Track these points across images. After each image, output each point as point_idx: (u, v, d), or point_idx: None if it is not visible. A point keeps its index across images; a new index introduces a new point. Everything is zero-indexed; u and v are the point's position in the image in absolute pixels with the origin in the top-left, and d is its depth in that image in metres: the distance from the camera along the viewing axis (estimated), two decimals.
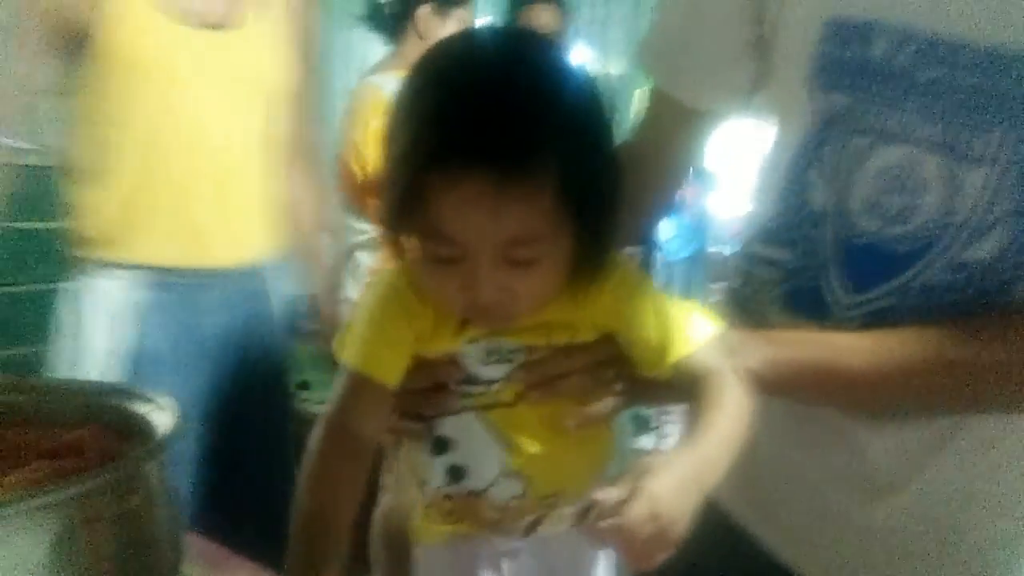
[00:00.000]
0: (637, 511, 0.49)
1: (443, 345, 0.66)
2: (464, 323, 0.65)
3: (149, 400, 0.70)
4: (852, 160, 0.66)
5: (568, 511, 0.54)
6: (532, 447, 0.66)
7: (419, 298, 0.65)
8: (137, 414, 0.70)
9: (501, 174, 0.54)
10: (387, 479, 1.91)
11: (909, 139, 0.62)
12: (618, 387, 0.67)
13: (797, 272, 0.70)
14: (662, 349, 0.63)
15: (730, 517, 0.83)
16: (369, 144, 1.79)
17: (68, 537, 0.53)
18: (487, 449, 0.67)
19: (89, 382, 0.76)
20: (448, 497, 0.69)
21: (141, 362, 1.37)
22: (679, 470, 0.52)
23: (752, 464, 0.80)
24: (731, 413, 0.59)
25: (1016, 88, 0.58)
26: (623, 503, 0.49)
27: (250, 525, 1.43)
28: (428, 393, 0.67)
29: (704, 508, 0.85)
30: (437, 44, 0.62)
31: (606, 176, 0.61)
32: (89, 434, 0.71)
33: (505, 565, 0.70)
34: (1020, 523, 0.68)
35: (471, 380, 0.67)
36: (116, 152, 1.37)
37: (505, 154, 0.55)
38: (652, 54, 0.83)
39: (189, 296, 1.39)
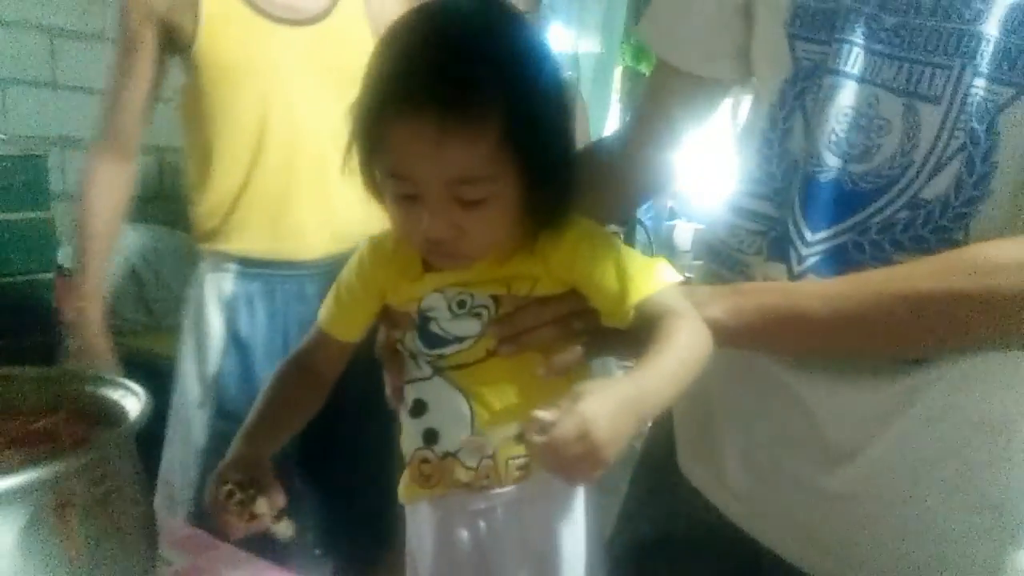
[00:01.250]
0: (566, 429, 0.51)
1: (411, 291, 0.71)
2: (428, 268, 0.71)
3: (120, 386, 0.70)
4: (823, 99, 0.68)
5: (511, 430, 0.57)
6: (500, 408, 0.69)
7: (393, 247, 0.73)
8: (109, 400, 0.70)
9: (443, 115, 0.59)
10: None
11: (874, 80, 0.65)
12: (584, 339, 0.69)
13: (778, 221, 0.71)
14: (622, 294, 0.66)
15: (690, 480, 0.85)
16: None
17: (39, 522, 0.54)
18: (458, 412, 0.70)
19: (60, 369, 0.76)
20: (425, 461, 0.72)
21: (249, 349, 1.48)
22: (614, 396, 0.54)
23: (709, 430, 0.81)
24: (679, 351, 0.61)
25: (968, 27, 0.61)
26: (553, 423, 0.52)
27: (352, 508, 1.57)
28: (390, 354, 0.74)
29: (666, 468, 0.87)
30: (409, 10, 0.66)
31: (552, 125, 0.66)
32: (61, 421, 0.71)
33: (482, 523, 0.73)
34: (975, 494, 0.68)
35: (442, 341, 0.70)
36: (220, 151, 1.47)
37: (448, 96, 0.59)
38: (650, 23, 0.87)
39: (291, 286, 1.47)
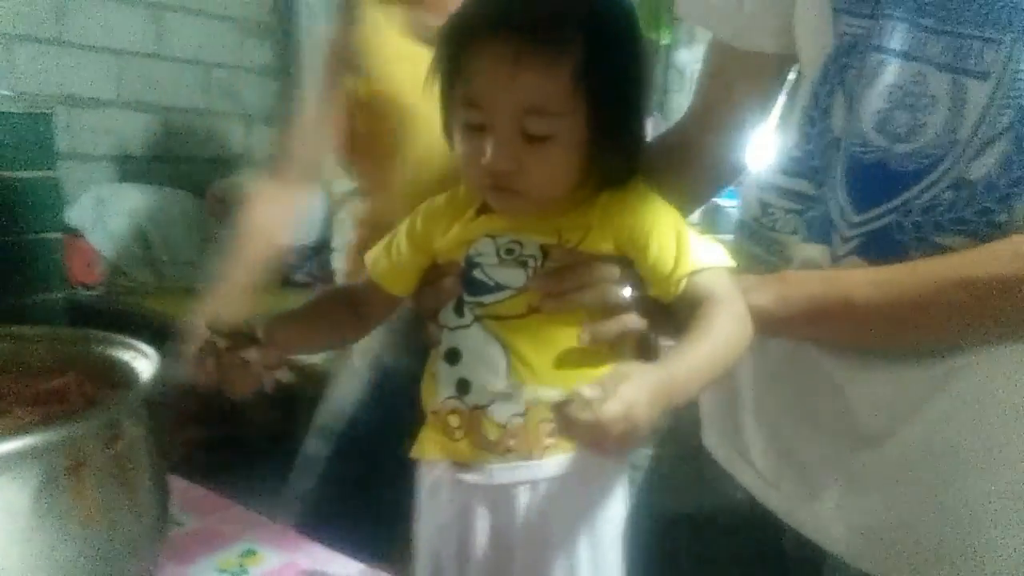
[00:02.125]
0: (613, 411, 0.52)
1: (462, 234, 0.71)
2: (481, 212, 0.72)
3: (131, 347, 0.70)
4: (867, 78, 0.66)
5: (553, 395, 0.57)
6: (537, 366, 0.67)
7: (447, 202, 0.75)
8: (120, 361, 0.70)
9: (522, 42, 0.61)
10: None
11: (920, 56, 0.63)
12: (629, 310, 0.68)
13: (816, 200, 0.70)
14: (677, 263, 0.65)
15: (717, 462, 0.84)
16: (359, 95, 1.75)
17: (52, 483, 0.54)
18: (494, 365, 0.68)
19: (70, 330, 0.75)
20: (454, 412, 0.70)
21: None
22: (653, 381, 0.55)
23: (735, 408, 0.80)
24: (717, 340, 0.61)
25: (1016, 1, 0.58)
26: (600, 401, 0.52)
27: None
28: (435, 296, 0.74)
29: (690, 444, 0.86)
30: None
31: (628, 74, 0.66)
32: (72, 381, 0.71)
33: (502, 499, 0.71)
34: (1007, 481, 0.67)
35: (485, 288, 0.69)
36: (388, 179, 1.50)
37: (529, 24, 0.61)
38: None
39: None
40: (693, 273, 0.65)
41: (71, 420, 0.54)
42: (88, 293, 3.08)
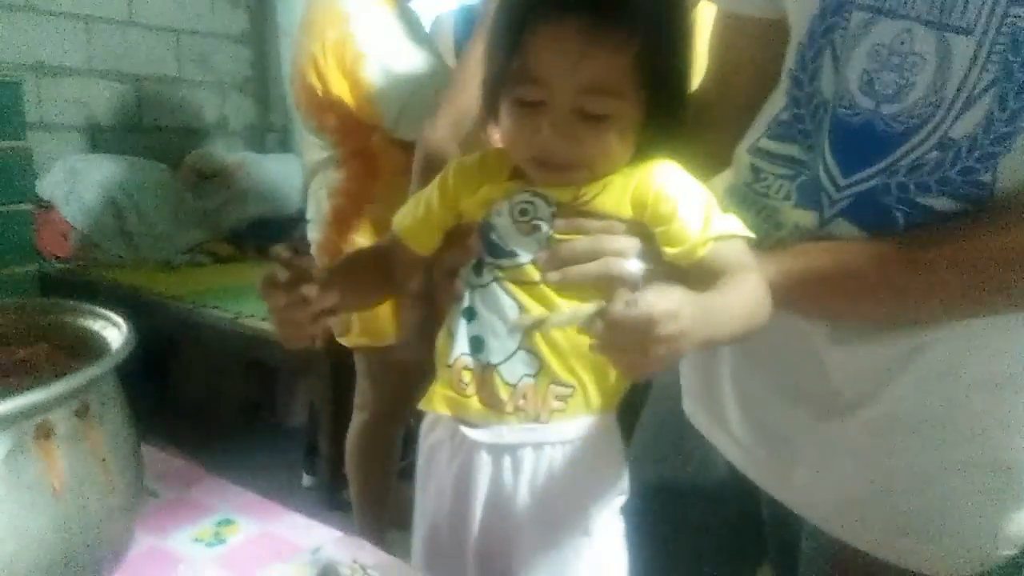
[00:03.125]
0: (662, 306, 0.51)
1: (489, 194, 0.72)
2: (512, 177, 0.72)
3: (101, 317, 0.69)
4: (853, 37, 0.65)
5: (581, 310, 0.56)
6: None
7: (478, 164, 0.75)
8: (90, 331, 0.69)
9: (592, 21, 0.62)
10: (360, 397, 1.93)
11: (907, 13, 0.62)
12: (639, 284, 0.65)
13: (806, 165, 0.70)
14: (705, 225, 0.65)
15: (695, 431, 0.85)
16: (327, 57, 1.72)
17: (21, 451, 0.53)
18: (507, 324, 0.69)
19: (39, 300, 0.74)
20: (467, 368, 0.71)
21: None
22: (696, 299, 0.55)
23: (713, 376, 0.81)
24: (748, 296, 0.62)
25: None
26: (648, 301, 0.52)
27: None
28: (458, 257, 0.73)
29: (672, 413, 0.86)
30: None
31: (682, 61, 0.68)
32: (43, 352, 0.70)
33: (506, 460, 0.71)
34: (978, 453, 0.68)
35: (502, 252, 0.70)
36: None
37: (600, 5, 0.63)
38: None
39: None
40: (720, 238, 0.65)
41: (39, 388, 0.53)
42: (60, 265, 3.04)
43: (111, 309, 0.71)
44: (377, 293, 0.83)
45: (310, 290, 0.66)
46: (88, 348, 0.68)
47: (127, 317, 0.68)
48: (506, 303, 0.69)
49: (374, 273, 0.80)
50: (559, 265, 0.67)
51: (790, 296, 0.66)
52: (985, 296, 0.63)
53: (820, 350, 0.71)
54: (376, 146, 1.79)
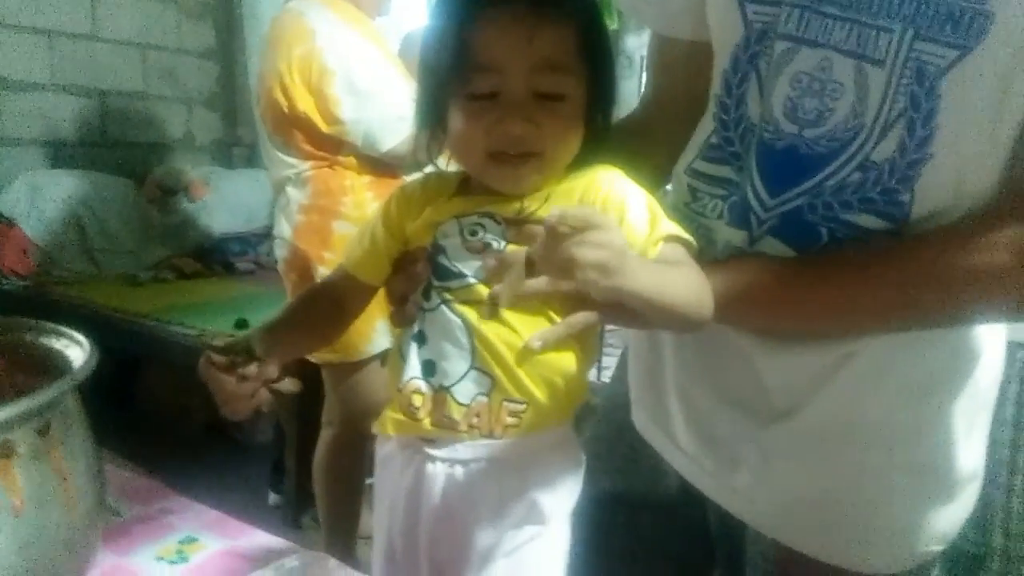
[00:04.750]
0: (594, 216, 0.54)
1: (435, 215, 0.72)
2: (456, 196, 0.73)
3: (61, 335, 0.69)
4: (776, 66, 0.68)
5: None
6: (501, 346, 0.68)
7: (422, 187, 0.76)
8: (51, 349, 0.69)
9: (538, 2, 0.65)
10: (328, 414, 1.93)
11: (826, 43, 0.65)
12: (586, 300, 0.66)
13: (738, 186, 0.72)
14: (652, 227, 0.66)
15: (645, 442, 0.87)
16: (293, 73, 1.72)
17: None
18: (457, 345, 0.69)
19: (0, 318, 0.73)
20: (418, 391, 0.71)
21: None
22: (620, 235, 0.57)
23: (660, 387, 0.83)
24: (684, 276, 0.63)
25: None
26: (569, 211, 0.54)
27: None
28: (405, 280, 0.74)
29: (623, 424, 0.88)
30: None
31: (609, 39, 0.72)
32: (1, 369, 0.69)
33: (460, 471, 0.72)
34: (905, 455, 0.71)
35: (449, 274, 0.70)
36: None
37: None
38: None
39: None
40: (668, 238, 0.66)
41: (0, 407, 0.53)
42: (20, 283, 2.99)
43: (73, 326, 0.71)
44: (333, 329, 0.82)
45: (249, 370, 0.69)
46: (49, 366, 0.68)
47: (89, 335, 0.68)
48: (457, 324, 0.69)
49: (327, 310, 0.80)
50: (507, 282, 0.67)
51: (728, 310, 0.67)
52: (904, 314, 0.66)
53: (754, 358, 0.73)
54: (343, 162, 1.79)
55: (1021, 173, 0.62)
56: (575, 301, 0.66)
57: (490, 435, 0.70)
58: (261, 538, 0.85)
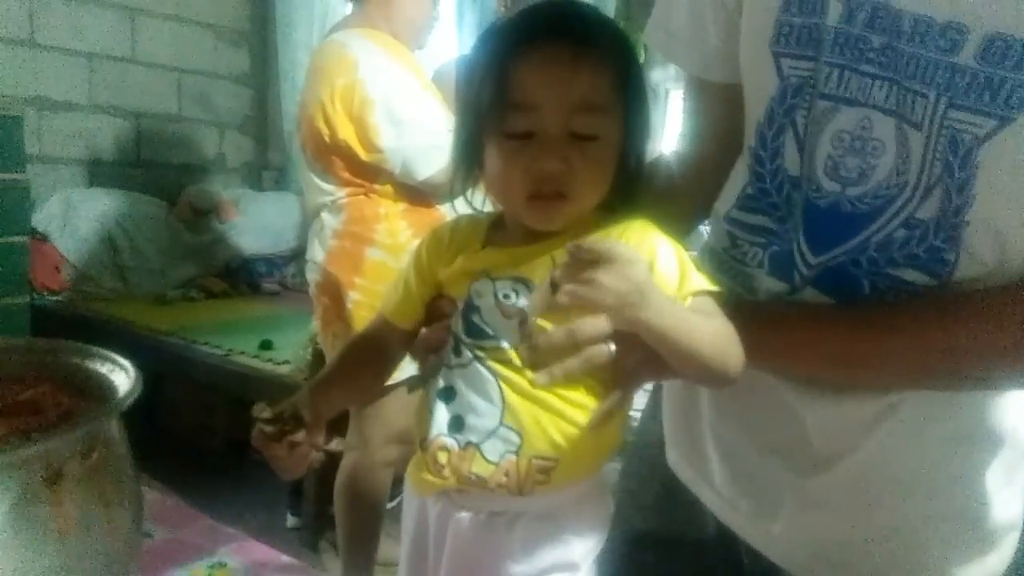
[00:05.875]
0: (616, 248, 0.56)
1: (467, 265, 0.73)
2: (488, 246, 0.74)
3: (106, 359, 0.70)
4: (816, 124, 0.68)
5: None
6: (532, 405, 0.67)
7: (451, 232, 0.77)
8: (95, 372, 0.70)
9: (575, 42, 0.66)
10: (351, 439, 1.93)
11: (866, 102, 0.65)
12: (625, 367, 0.66)
13: (778, 236, 0.72)
14: (682, 282, 0.66)
15: (679, 480, 0.86)
16: (335, 103, 1.76)
17: (31, 496, 0.54)
18: (488, 401, 0.69)
19: (45, 340, 0.75)
20: (444, 448, 0.70)
21: None
22: (645, 271, 0.58)
23: (696, 428, 0.83)
24: (711, 325, 0.63)
25: (941, 57, 0.60)
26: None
27: None
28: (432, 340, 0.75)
29: (656, 463, 0.87)
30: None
31: (644, 86, 0.72)
32: (47, 392, 0.71)
33: (485, 518, 0.71)
34: (948, 504, 0.70)
35: (483, 334, 0.70)
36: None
37: (580, 30, 0.67)
38: (651, 21, 0.86)
39: None
40: (697, 293, 0.66)
41: (49, 433, 0.54)
42: (53, 299, 3.04)
43: (103, 343, 0.73)
44: (378, 377, 0.82)
45: (299, 437, 0.70)
46: (92, 389, 0.69)
47: (118, 351, 0.70)
48: (488, 380, 0.69)
49: (370, 359, 0.80)
50: (540, 360, 0.65)
51: (766, 354, 0.67)
52: (938, 382, 0.66)
53: (796, 407, 0.73)
54: (379, 190, 1.82)
55: None
56: (612, 372, 0.66)
57: (519, 493, 0.69)
58: (287, 565, 0.85)
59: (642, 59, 3.31)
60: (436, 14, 2.00)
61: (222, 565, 0.84)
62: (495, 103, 0.67)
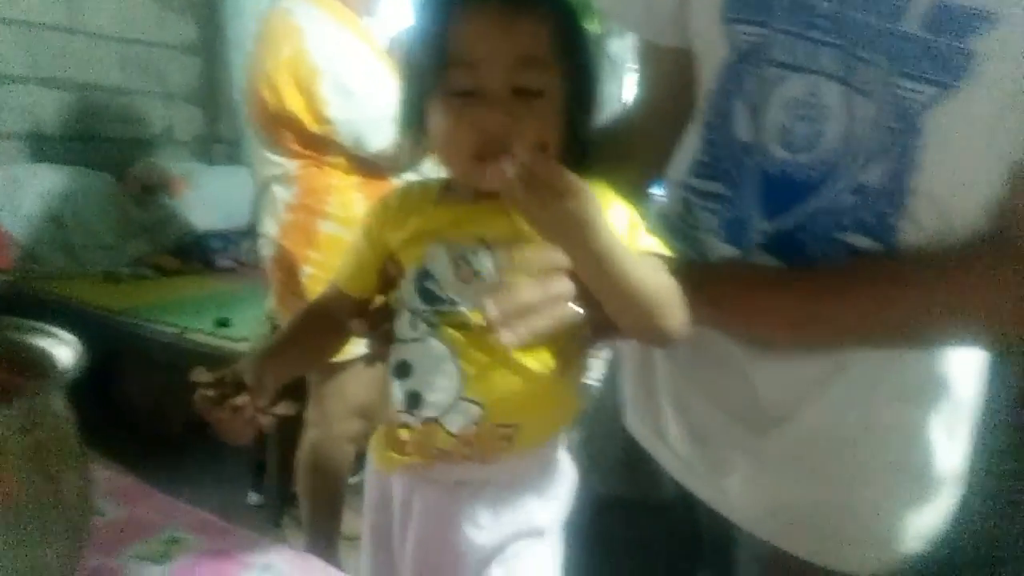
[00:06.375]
0: (552, 165, 0.55)
1: (421, 225, 0.71)
2: (441, 205, 0.72)
3: (48, 334, 0.68)
4: (766, 91, 0.68)
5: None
6: (491, 373, 0.67)
7: (400, 195, 0.76)
8: (37, 347, 0.68)
9: (512, 1, 0.66)
10: (312, 414, 1.92)
11: (814, 69, 0.65)
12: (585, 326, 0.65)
13: (731, 202, 0.72)
14: (629, 240, 0.65)
15: (638, 444, 0.87)
16: (282, 73, 1.72)
17: None
18: (445, 375, 0.68)
19: None
20: (404, 426, 0.70)
21: None
22: (595, 199, 0.57)
23: (652, 391, 0.84)
24: (656, 272, 0.62)
25: (887, 24, 0.60)
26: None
27: None
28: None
29: (614, 427, 0.89)
30: None
31: (588, 42, 0.72)
32: None
33: (452, 488, 0.71)
34: (895, 460, 0.73)
35: (438, 300, 0.69)
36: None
37: None
38: None
39: None
40: (646, 252, 0.65)
41: None
42: None
43: (51, 322, 0.70)
44: (331, 345, 0.82)
45: (239, 401, 0.68)
46: (35, 365, 0.67)
47: (69, 331, 0.68)
48: (443, 354, 0.68)
49: (324, 328, 0.80)
50: (507, 320, 0.62)
51: (713, 312, 0.68)
52: (893, 342, 0.68)
53: (747, 368, 0.74)
54: (331, 162, 1.79)
55: (1011, 217, 0.62)
56: (570, 334, 0.65)
57: (483, 461, 0.69)
58: (245, 538, 0.84)
59: (600, 29, 3.31)
60: None
61: (176, 540, 0.83)
62: (435, 62, 0.67)
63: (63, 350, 0.67)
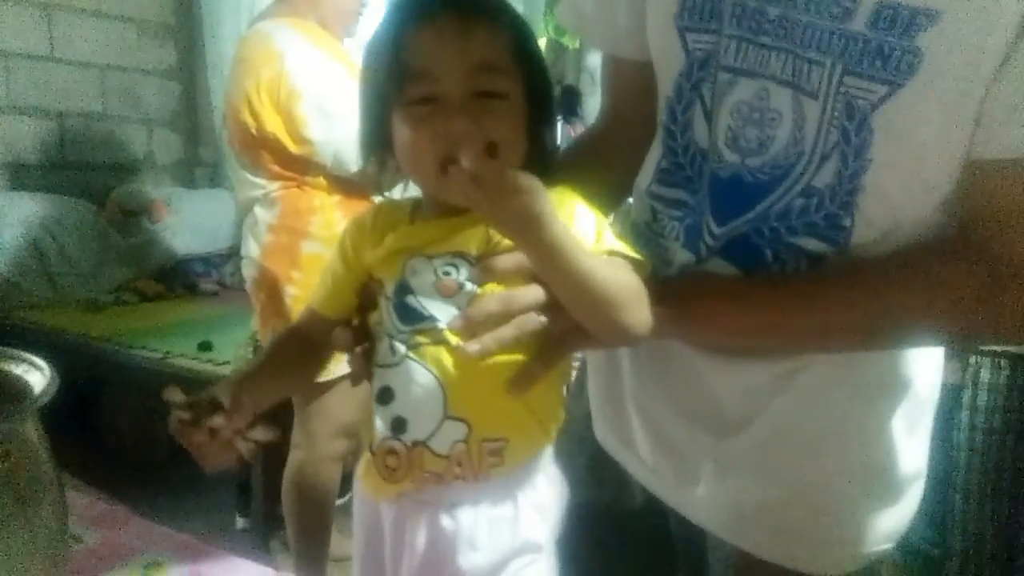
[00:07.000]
0: (512, 180, 0.56)
1: (397, 243, 0.71)
2: (416, 221, 0.73)
3: (22, 360, 0.68)
4: (719, 96, 0.69)
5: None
6: (474, 388, 0.67)
7: (373, 215, 0.76)
8: (10, 374, 0.68)
9: (468, 12, 0.67)
10: (297, 435, 1.91)
11: (763, 73, 0.66)
12: (557, 337, 0.65)
13: (691, 208, 0.73)
14: (596, 240, 0.66)
15: (607, 452, 0.88)
16: (261, 95, 1.72)
17: None
18: (428, 396, 0.67)
19: None
20: (392, 452, 0.69)
21: None
22: (546, 195, 0.57)
23: (619, 401, 0.84)
24: (613, 269, 0.62)
25: (835, 25, 0.61)
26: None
27: None
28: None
29: (585, 439, 0.89)
30: None
31: (539, 53, 0.73)
32: None
33: (446, 519, 0.70)
34: (854, 459, 0.73)
35: (418, 316, 0.68)
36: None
37: (472, 2, 0.68)
38: (564, 5, 0.87)
39: None
40: (612, 253, 0.66)
41: None
42: None
43: (34, 351, 0.70)
44: (309, 369, 0.80)
45: (216, 422, 0.66)
46: (8, 392, 0.67)
47: (50, 359, 0.67)
48: (424, 377, 0.67)
49: (302, 351, 0.79)
50: (474, 331, 0.63)
51: (677, 325, 0.68)
52: (854, 347, 0.69)
53: (706, 374, 0.75)
54: (312, 182, 1.79)
55: (967, 214, 0.63)
56: (545, 342, 0.65)
57: (475, 479, 0.69)
58: (228, 561, 0.84)
59: (577, 44, 3.31)
60: (364, 1, 1.97)
61: (158, 564, 0.82)
62: (393, 74, 0.67)
63: (36, 376, 0.66)
